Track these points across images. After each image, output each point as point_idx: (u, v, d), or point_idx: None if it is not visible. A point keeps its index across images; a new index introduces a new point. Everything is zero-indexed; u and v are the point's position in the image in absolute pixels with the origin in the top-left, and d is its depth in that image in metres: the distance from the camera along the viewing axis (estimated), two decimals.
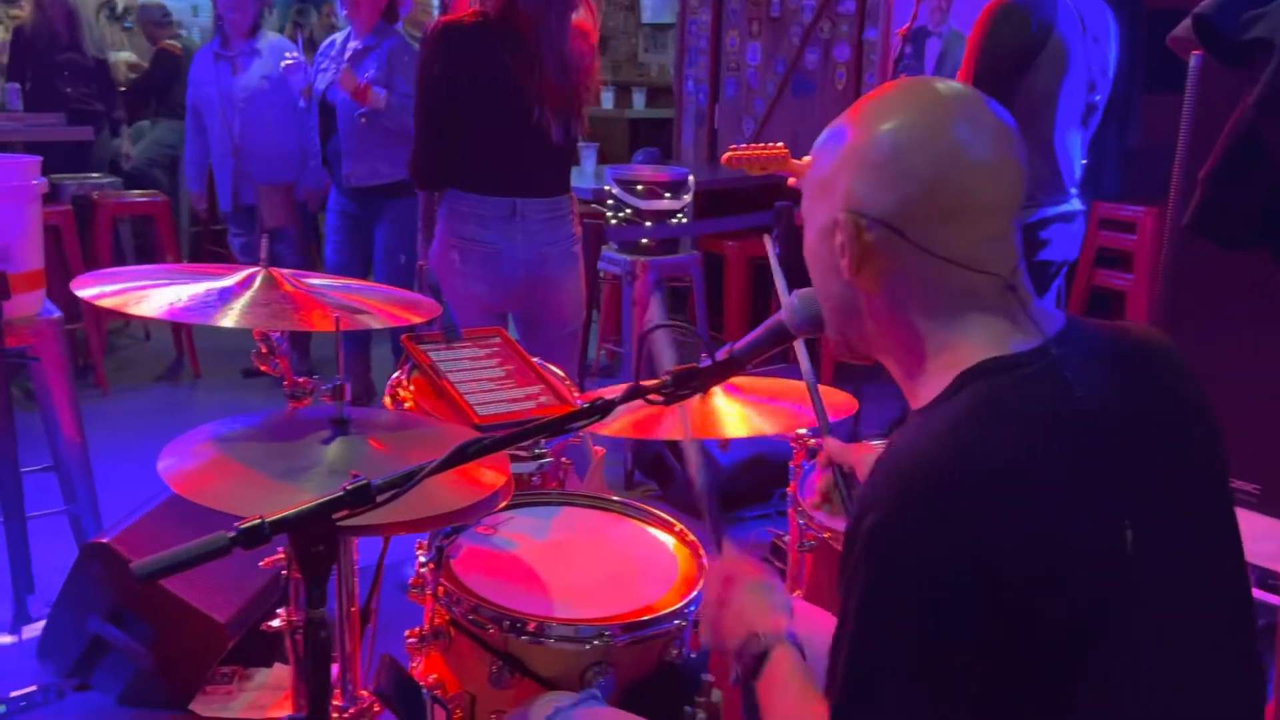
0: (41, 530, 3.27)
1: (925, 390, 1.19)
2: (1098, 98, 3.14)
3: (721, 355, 1.53)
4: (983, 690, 1.05)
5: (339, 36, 4.70)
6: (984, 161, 1.17)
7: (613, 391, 1.52)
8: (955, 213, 1.16)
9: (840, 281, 1.23)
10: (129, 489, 3.48)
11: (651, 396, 1.52)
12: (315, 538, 1.29)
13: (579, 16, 3.11)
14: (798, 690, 1.30)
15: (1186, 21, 2.06)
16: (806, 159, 3.16)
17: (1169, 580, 1.14)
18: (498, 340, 2.30)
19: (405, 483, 1.33)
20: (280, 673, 2.92)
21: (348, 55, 4.47)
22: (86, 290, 1.76)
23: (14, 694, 2.76)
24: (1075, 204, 3.17)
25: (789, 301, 1.47)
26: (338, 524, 1.29)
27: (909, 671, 1.05)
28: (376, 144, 4.41)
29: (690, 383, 1.51)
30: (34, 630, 2.99)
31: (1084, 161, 3.24)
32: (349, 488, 1.30)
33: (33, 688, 2.80)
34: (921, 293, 1.19)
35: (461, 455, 1.39)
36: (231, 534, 1.23)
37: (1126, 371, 1.22)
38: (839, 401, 2.33)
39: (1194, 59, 2.07)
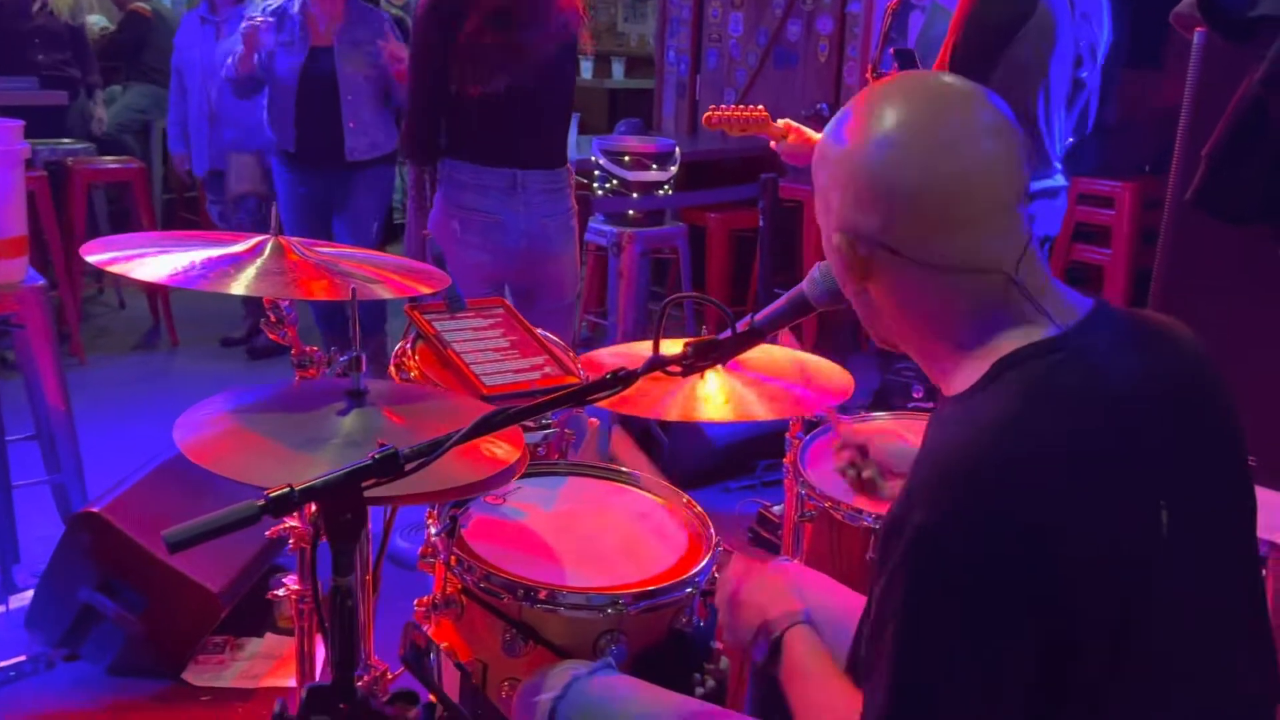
0: (25, 500, 3.24)
1: (958, 379, 1.19)
2: (1085, 74, 3.14)
3: (742, 326, 1.53)
4: (1032, 681, 1.05)
5: (288, 5, 4.35)
6: (977, 162, 1.15)
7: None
8: (948, 222, 1.15)
9: (852, 288, 1.25)
10: (111, 458, 3.48)
11: (671, 368, 1.53)
12: (343, 506, 1.29)
13: None
14: (818, 669, 1.32)
15: None
16: (785, 121, 3.17)
17: (1201, 560, 1.16)
18: (501, 310, 2.29)
19: (432, 451, 1.33)
20: (272, 642, 2.93)
21: (336, 35, 4.29)
22: (95, 255, 1.74)
23: (2, 664, 2.76)
24: (1059, 180, 3.18)
25: (811, 273, 1.47)
26: (365, 492, 1.30)
27: (961, 668, 1.05)
28: (376, 117, 4.33)
29: (711, 354, 1.52)
30: (21, 600, 2.97)
31: (1070, 140, 3.25)
32: (376, 456, 1.30)
33: (21, 658, 2.80)
34: (930, 301, 1.19)
35: (487, 425, 1.39)
36: (262, 502, 1.22)
37: (1153, 357, 1.22)
38: (837, 381, 2.32)
39: (1197, 35, 2.08)
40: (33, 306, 3.14)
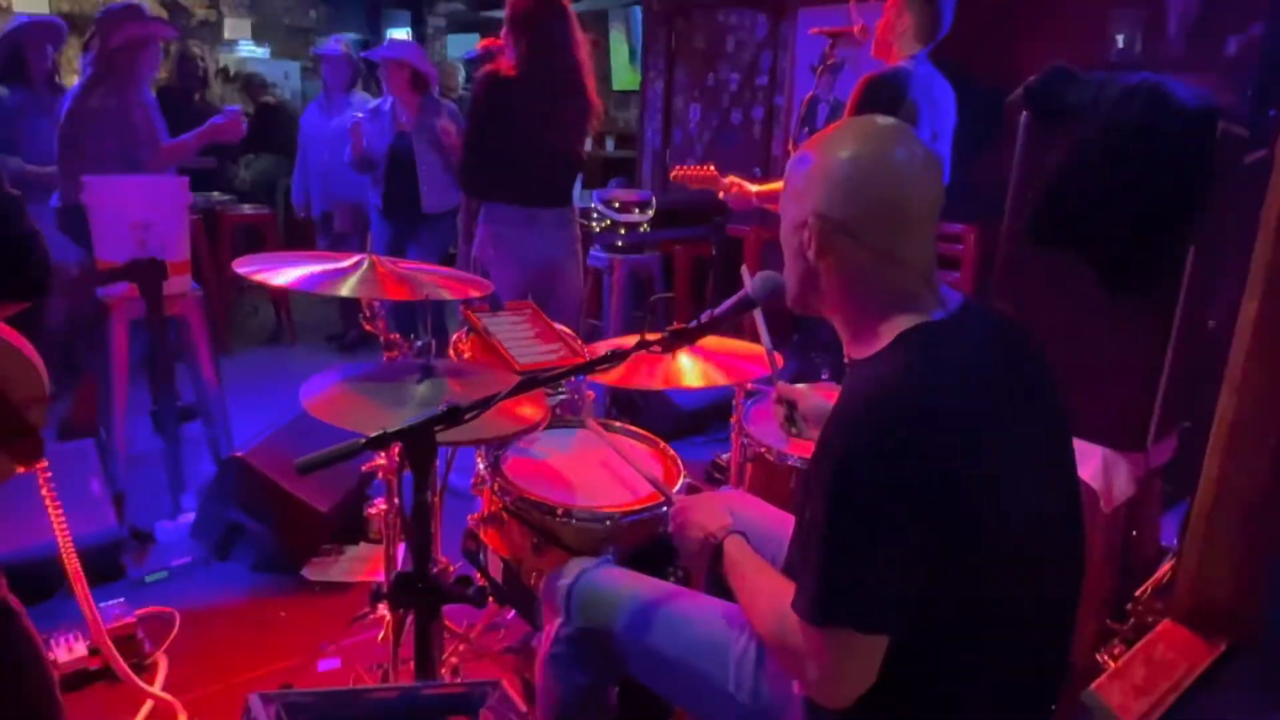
0: (189, 449, 3.22)
1: (868, 346, 1.19)
2: (937, 146, 3.12)
3: (705, 319, 1.53)
4: (921, 557, 1.06)
5: (382, 104, 4.35)
6: (915, 184, 1.15)
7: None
8: (893, 222, 1.15)
9: (805, 264, 1.22)
10: (248, 421, 3.44)
11: (654, 348, 1.53)
12: (421, 444, 1.29)
13: (578, 75, 3.07)
14: (754, 566, 1.33)
15: (1019, 91, 2.09)
16: (731, 178, 3.15)
17: (1033, 477, 1.17)
18: (529, 310, 2.28)
19: (484, 405, 1.33)
20: (365, 549, 2.91)
21: (412, 124, 4.23)
22: (245, 268, 1.73)
23: (175, 563, 2.77)
24: None
25: (753, 281, 1.47)
26: (436, 435, 1.29)
27: (872, 545, 1.06)
28: (443, 181, 4.25)
29: (682, 337, 1.52)
30: (186, 518, 2.96)
31: None
32: (443, 409, 1.30)
33: (188, 559, 2.80)
34: (865, 278, 1.18)
35: (524, 387, 1.39)
36: (364, 439, 1.22)
37: (1003, 337, 1.24)
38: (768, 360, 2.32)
39: (1023, 117, 2.09)
40: (194, 309, 3.12)
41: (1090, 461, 2.07)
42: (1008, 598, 1.14)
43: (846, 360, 1.25)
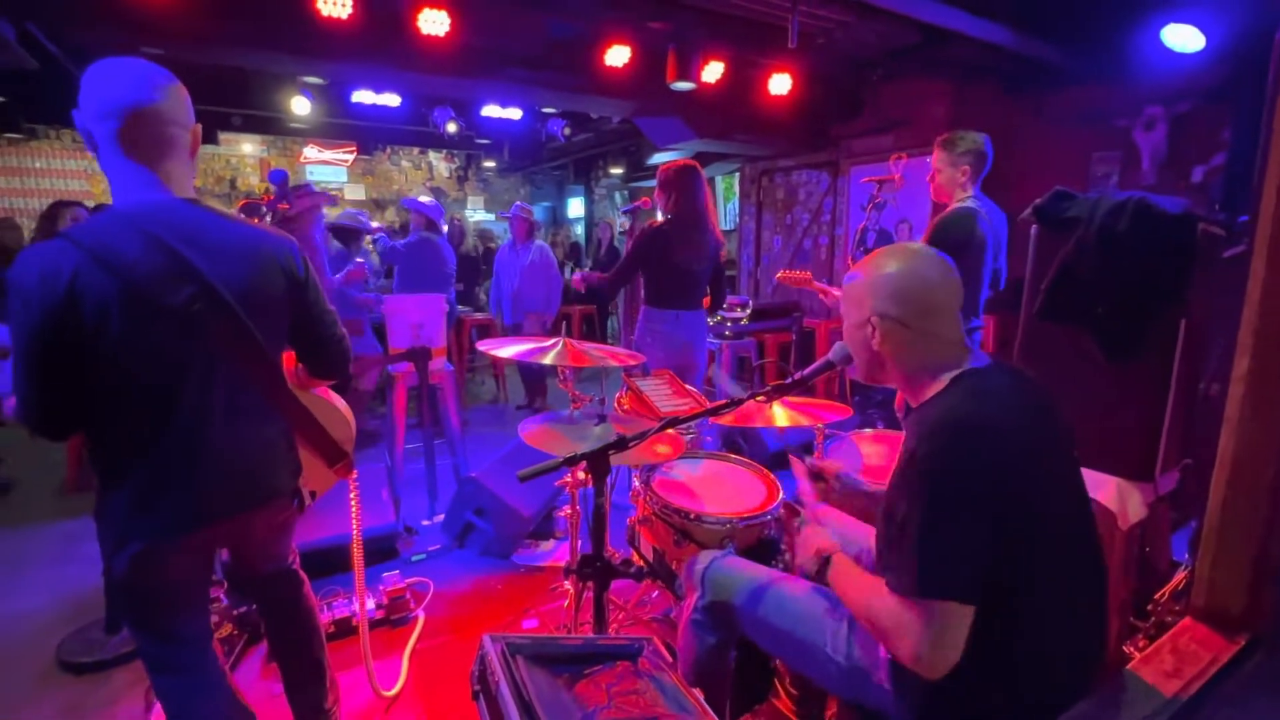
0: (440, 471, 3.34)
1: (925, 394, 1.15)
2: (999, 265, 2.91)
3: (796, 376, 1.49)
4: (990, 537, 1.00)
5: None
6: (940, 284, 1.14)
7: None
8: (929, 311, 1.14)
9: (870, 351, 1.20)
10: (478, 453, 3.58)
11: (758, 398, 1.50)
12: (600, 463, 1.30)
13: (707, 219, 3.11)
14: (855, 573, 1.25)
15: (1029, 209, 1.97)
16: (819, 283, 3.07)
17: (1059, 480, 1.09)
18: (667, 376, 2.29)
19: (640, 438, 1.33)
20: (553, 543, 2.91)
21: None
22: (483, 346, 1.82)
23: (431, 548, 2.85)
24: (978, 323, 2.93)
25: (834, 348, 1.42)
26: (609, 457, 1.30)
27: (959, 528, 1.00)
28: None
29: (779, 392, 1.48)
30: (439, 518, 3.06)
31: (989, 294, 2.97)
32: (613, 440, 1.30)
33: (438, 545, 2.88)
34: (915, 352, 1.16)
35: (666, 426, 1.38)
36: (560, 459, 1.24)
37: (1026, 384, 1.16)
38: (839, 410, 2.21)
39: (1034, 230, 1.97)
40: (448, 380, 3.27)
41: (1107, 488, 1.85)
42: (1052, 576, 1.03)
43: (903, 408, 1.19)
